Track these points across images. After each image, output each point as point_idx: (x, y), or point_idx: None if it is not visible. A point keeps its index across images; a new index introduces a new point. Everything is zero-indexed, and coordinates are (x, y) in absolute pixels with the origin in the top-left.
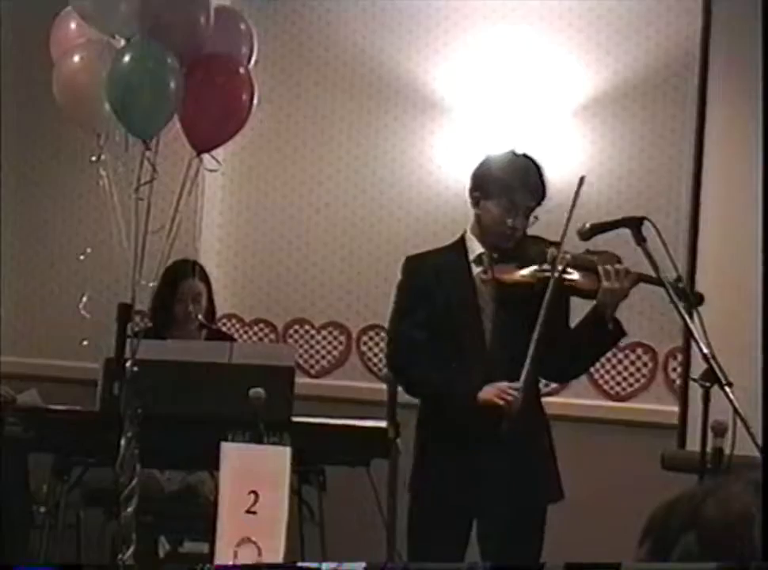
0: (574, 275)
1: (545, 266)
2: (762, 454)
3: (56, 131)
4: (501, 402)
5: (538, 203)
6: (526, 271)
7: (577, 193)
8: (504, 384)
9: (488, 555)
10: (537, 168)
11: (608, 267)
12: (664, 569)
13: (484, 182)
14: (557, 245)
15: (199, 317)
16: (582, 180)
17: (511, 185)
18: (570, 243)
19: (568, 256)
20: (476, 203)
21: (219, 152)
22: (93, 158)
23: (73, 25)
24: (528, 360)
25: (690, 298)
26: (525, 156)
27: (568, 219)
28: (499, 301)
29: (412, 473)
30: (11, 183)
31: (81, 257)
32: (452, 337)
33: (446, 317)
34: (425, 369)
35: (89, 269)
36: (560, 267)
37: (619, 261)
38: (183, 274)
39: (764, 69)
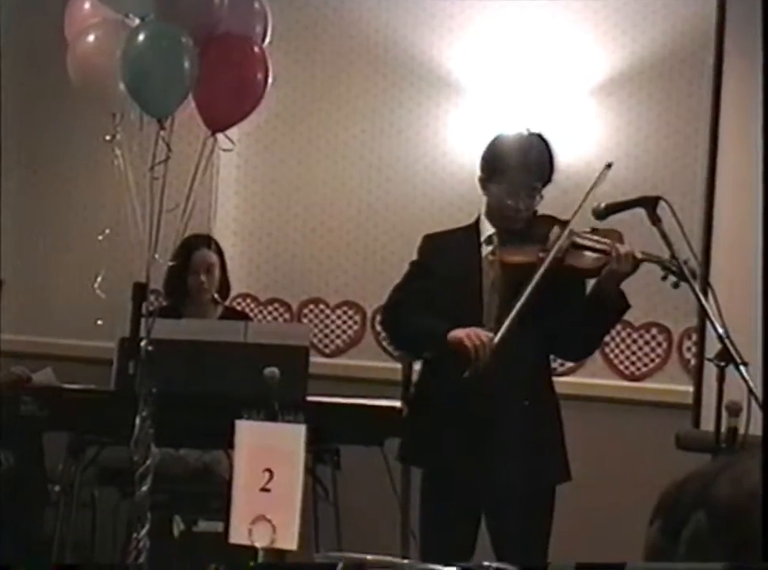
0: (575, 255)
1: (550, 247)
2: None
3: (71, 111)
4: (468, 343)
5: (545, 182)
6: (528, 253)
7: (599, 178)
8: (480, 329)
9: (496, 532)
10: (544, 146)
11: (621, 250)
12: (668, 569)
13: (487, 165)
14: (567, 223)
15: (215, 294)
16: (609, 166)
17: (510, 167)
18: (582, 219)
19: (569, 238)
20: (483, 185)
21: (234, 131)
22: (108, 138)
23: (87, 5)
24: (511, 315)
25: (682, 274)
26: (531, 135)
27: (583, 201)
28: (504, 283)
29: (407, 444)
30: (26, 163)
31: (100, 237)
32: (449, 313)
33: (445, 293)
34: (408, 319)
35: (104, 249)
36: (556, 249)
37: (621, 238)
38: (195, 245)
39: (764, 49)
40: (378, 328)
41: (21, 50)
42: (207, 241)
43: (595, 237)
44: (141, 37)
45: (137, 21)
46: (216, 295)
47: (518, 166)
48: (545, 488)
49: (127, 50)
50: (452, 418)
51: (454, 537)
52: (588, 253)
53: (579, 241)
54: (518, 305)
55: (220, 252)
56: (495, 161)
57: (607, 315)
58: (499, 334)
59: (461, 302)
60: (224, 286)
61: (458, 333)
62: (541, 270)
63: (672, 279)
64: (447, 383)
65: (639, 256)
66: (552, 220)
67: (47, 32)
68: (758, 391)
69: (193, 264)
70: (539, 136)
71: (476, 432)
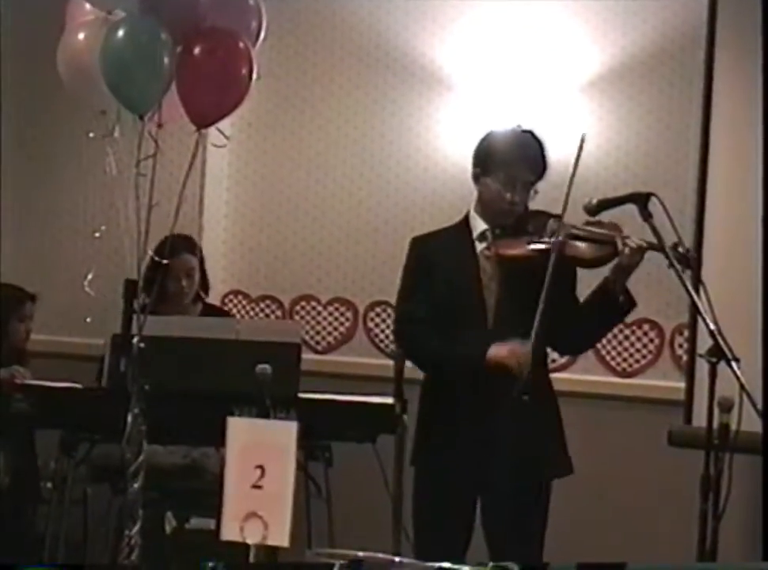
0: (575, 246)
1: (546, 239)
2: (764, 438)
3: (62, 108)
4: (511, 362)
5: (539, 178)
6: (527, 245)
7: (579, 153)
8: (516, 343)
9: (491, 529)
10: (538, 142)
11: (628, 242)
12: (669, 569)
13: (482, 158)
14: (561, 215)
15: (187, 293)
16: (583, 138)
17: (508, 160)
18: (574, 216)
19: (567, 230)
20: (476, 179)
21: (226, 128)
22: (92, 135)
23: (87, 4)
24: (537, 322)
25: (689, 261)
26: (525, 131)
27: (571, 179)
28: (502, 277)
29: (415, 446)
30: (16, 161)
31: (97, 234)
32: (454, 314)
33: (448, 295)
34: (431, 342)
35: (94, 246)
36: (560, 238)
37: (620, 230)
38: (177, 250)
39: (764, 47)
40: (371, 328)
41: (11, 45)
42: (188, 244)
43: (592, 229)
44: (119, 34)
45: None
46: (190, 292)
47: (516, 159)
48: (542, 483)
49: (105, 46)
50: (454, 415)
51: (449, 533)
52: (587, 244)
53: (576, 232)
54: (541, 304)
55: (200, 253)
56: (491, 154)
57: (614, 313)
58: (531, 342)
59: (464, 303)
60: (202, 287)
61: (501, 352)
62: (551, 265)
63: (677, 266)
64: (452, 383)
65: (644, 245)
66: (544, 214)
67: (41, 30)
68: (758, 388)
69: (174, 269)
70: (532, 133)
71: (476, 428)
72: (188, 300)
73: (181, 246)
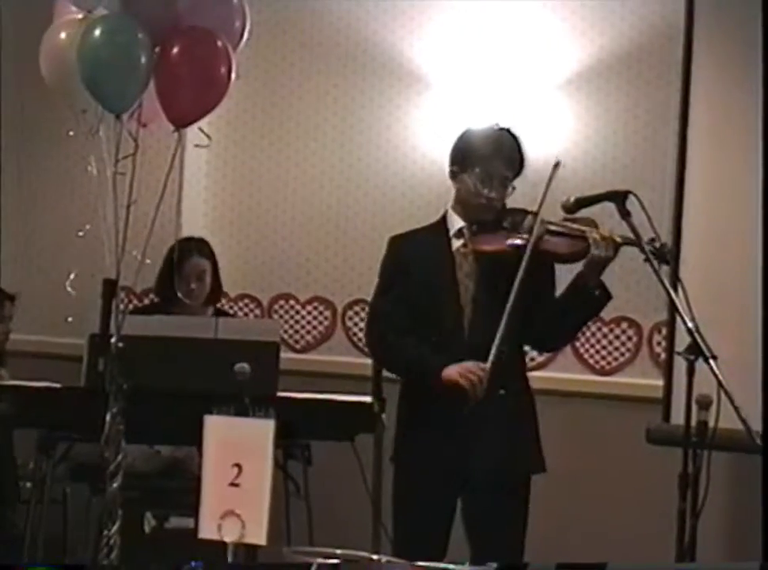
0: (551, 241)
1: (524, 234)
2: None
3: (42, 107)
4: (464, 383)
5: (516, 174)
6: (501, 241)
7: (551, 178)
8: (471, 363)
9: (471, 526)
10: (515, 139)
11: (596, 235)
12: (650, 568)
13: (459, 155)
14: (537, 213)
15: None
16: (557, 164)
17: (485, 156)
18: (554, 216)
19: (543, 226)
20: (453, 176)
21: (204, 126)
22: (71, 133)
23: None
24: (497, 340)
25: (665, 255)
26: (501, 128)
27: (543, 197)
28: (479, 273)
29: (395, 444)
30: None
31: (81, 233)
32: (430, 315)
33: (424, 295)
34: (398, 345)
35: (75, 245)
36: (534, 237)
37: (596, 226)
38: (187, 252)
39: (764, 43)
40: (350, 327)
41: None
42: (201, 247)
43: (569, 225)
44: (96, 32)
45: None
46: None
47: (492, 155)
48: (520, 478)
49: (82, 45)
50: (436, 416)
51: (428, 530)
52: (564, 239)
53: (553, 228)
54: (505, 316)
55: (212, 257)
56: (468, 151)
57: (590, 306)
58: (490, 360)
59: (440, 303)
60: (215, 290)
61: (452, 374)
62: (524, 263)
63: (653, 260)
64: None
65: (618, 240)
66: (522, 211)
67: (26, 28)
68: (736, 385)
69: (184, 272)
70: (508, 130)
71: (452, 422)
72: (198, 303)
73: (193, 249)
